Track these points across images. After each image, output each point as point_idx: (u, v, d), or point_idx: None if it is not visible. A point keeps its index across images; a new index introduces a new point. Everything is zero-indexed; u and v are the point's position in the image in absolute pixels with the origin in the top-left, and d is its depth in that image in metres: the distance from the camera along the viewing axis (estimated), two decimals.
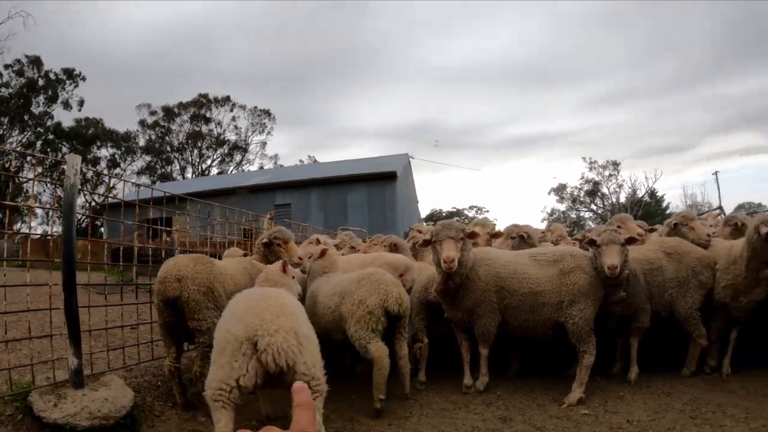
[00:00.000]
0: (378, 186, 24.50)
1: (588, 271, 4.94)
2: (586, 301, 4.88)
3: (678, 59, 69.07)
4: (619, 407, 4.63)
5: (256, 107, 51.61)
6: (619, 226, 5.54)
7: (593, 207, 48.17)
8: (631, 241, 4.95)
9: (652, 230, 6.25)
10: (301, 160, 54.45)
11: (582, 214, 48.61)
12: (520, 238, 6.06)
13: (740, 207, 40.04)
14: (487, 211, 52.20)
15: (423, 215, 36.07)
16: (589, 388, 4.92)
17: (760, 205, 39.34)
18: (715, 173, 42.58)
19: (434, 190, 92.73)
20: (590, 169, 47.82)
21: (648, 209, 43.13)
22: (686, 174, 78.23)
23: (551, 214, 49.54)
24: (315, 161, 52.34)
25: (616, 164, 46.83)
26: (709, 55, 68.26)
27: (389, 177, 24.33)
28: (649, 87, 69.29)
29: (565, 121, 77.98)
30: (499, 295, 5.03)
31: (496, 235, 6.11)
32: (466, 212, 51.37)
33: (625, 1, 71.62)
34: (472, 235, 6.20)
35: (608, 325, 5.31)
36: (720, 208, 21.32)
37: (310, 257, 5.86)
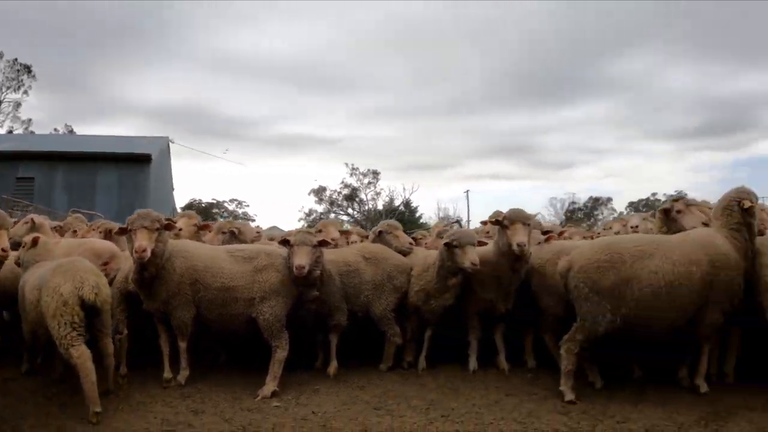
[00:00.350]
0: (131, 168, 22.76)
1: (281, 269, 5.20)
2: (277, 299, 5.13)
3: (453, 90, 77.71)
4: (312, 400, 4.85)
5: (16, 59, 43.64)
6: (320, 230, 6.02)
7: (350, 211, 51.00)
8: (323, 243, 5.31)
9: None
10: (56, 129, 47.33)
11: (340, 217, 51.21)
12: (231, 233, 6.19)
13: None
14: (248, 206, 51.36)
15: (181, 204, 34.24)
16: (288, 382, 5.12)
17: None
18: (466, 192, 49.53)
19: (196, 180, 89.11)
20: (351, 174, 50.54)
21: (402, 218, 47.65)
22: (442, 190, 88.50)
23: (308, 214, 51.02)
24: (71, 132, 46.06)
25: (376, 173, 50.41)
26: (479, 91, 78.63)
27: (143, 159, 22.78)
28: (422, 109, 76.32)
29: (335, 128, 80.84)
30: (193, 288, 5.06)
31: (204, 227, 6.14)
32: (226, 204, 50.10)
33: (417, 28, 77.86)
34: (204, 227, 6.20)
35: (306, 322, 5.60)
36: (458, 221, 24.84)
37: (24, 247, 5.27)
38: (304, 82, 78.32)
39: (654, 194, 43.61)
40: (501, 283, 5.37)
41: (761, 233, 4.94)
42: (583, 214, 47.12)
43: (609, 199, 49.22)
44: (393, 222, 6.68)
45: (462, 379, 5.45)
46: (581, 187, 59.62)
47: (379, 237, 6.40)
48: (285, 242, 5.26)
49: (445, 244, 5.28)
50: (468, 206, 48.20)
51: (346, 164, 51.58)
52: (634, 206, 41.60)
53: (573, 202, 49.95)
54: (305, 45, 76.00)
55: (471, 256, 5.09)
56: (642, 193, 48.15)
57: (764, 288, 4.42)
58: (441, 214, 49.14)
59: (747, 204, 4.41)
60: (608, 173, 77.53)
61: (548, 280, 5.28)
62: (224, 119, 74.14)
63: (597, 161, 79.02)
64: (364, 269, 5.78)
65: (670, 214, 5.50)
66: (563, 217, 46.82)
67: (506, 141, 77.50)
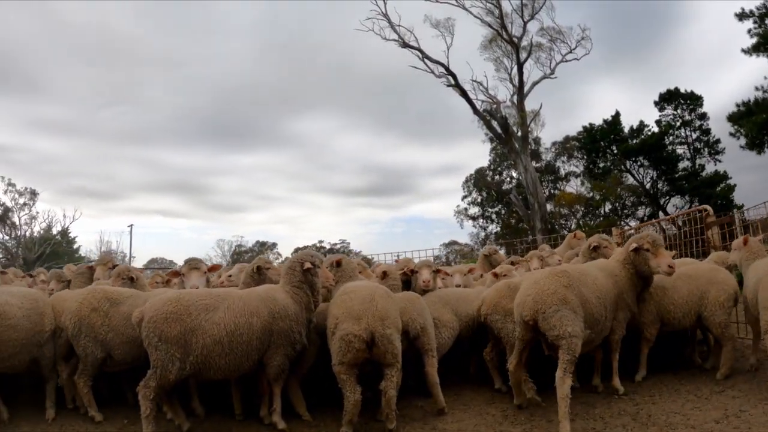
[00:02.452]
0: None
1: None
2: None
3: (137, 117, 72.19)
4: None
5: None
6: None
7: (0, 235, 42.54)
8: None
9: None
10: None
11: None
12: None
13: (153, 261, 43.47)
14: None
15: None
16: None
17: (171, 261, 43.06)
18: (130, 226, 45.80)
19: None
20: (6, 191, 42.83)
21: (58, 249, 41.54)
22: (108, 220, 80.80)
23: None
24: None
25: (34, 193, 43.66)
26: (162, 124, 74.82)
27: None
28: (101, 130, 67.44)
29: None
30: None
31: None
32: None
33: (121, 45, 69.92)
34: None
35: None
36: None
37: None
38: None
39: (321, 241, 47.86)
40: None
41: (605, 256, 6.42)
42: (248, 257, 48.72)
43: (275, 244, 52.31)
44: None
45: None
46: (251, 230, 61.75)
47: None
48: None
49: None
50: (131, 241, 45.13)
51: (2, 177, 43.34)
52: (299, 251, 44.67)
53: (240, 245, 51.61)
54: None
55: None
56: (309, 240, 52.20)
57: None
58: (104, 248, 44.82)
59: (307, 265, 5.25)
60: (278, 220, 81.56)
61: None
62: None
63: (268, 207, 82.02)
64: None
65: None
66: (229, 259, 47.89)
67: (180, 178, 75.69)
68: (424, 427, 5.02)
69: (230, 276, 7.50)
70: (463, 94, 31.07)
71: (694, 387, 5.61)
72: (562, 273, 5.02)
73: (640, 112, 71.16)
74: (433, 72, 30.84)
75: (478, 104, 31.52)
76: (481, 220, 43.05)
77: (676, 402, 5.20)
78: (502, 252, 14.19)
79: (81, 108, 68.44)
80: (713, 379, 5.71)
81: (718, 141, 34.26)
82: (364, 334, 4.66)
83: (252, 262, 6.37)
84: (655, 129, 35.12)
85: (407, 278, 6.61)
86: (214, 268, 6.21)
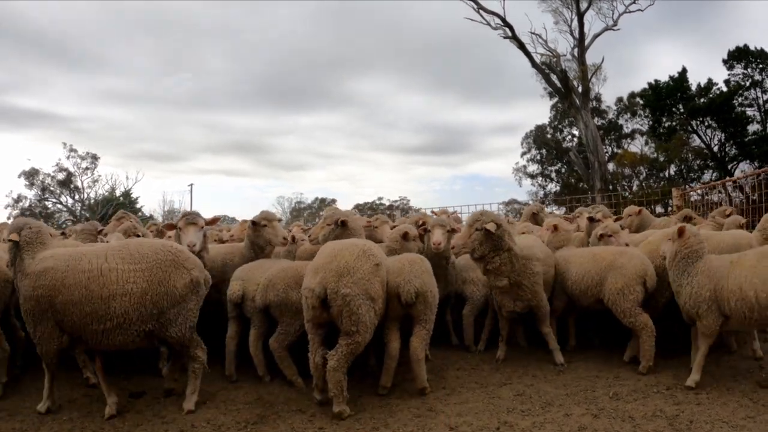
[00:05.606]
0: None
1: None
2: None
3: (195, 83, 74.93)
4: None
5: None
6: None
7: (63, 199, 44.35)
8: None
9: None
10: None
11: (56, 205, 44.15)
12: None
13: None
14: None
15: None
16: None
17: (234, 219, 44.07)
18: (191, 185, 47.36)
19: None
20: (69, 157, 43.98)
21: (119, 209, 42.54)
22: (170, 181, 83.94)
23: (17, 200, 43.07)
24: None
25: (95, 157, 44.64)
26: (221, 89, 76.44)
27: None
28: (162, 98, 71.27)
29: (67, 105, 70.92)
30: None
31: None
32: None
33: (172, 18, 72.08)
34: None
35: None
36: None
37: None
38: (44, 52, 65.46)
39: (380, 198, 48.33)
40: None
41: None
42: (308, 214, 49.10)
43: (333, 200, 52.28)
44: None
45: None
46: (312, 188, 62.85)
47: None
48: None
49: None
50: (191, 200, 46.49)
51: (64, 144, 44.67)
52: (359, 208, 45.01)
53: (300, 202, 52.42)
54: (56, 13, 63.98)
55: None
56: (369, 197, 52.69)
57: None
58: (166, 207, 46.32)
59: None
60: (339, 177, 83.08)
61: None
62: None
63: (328, 165, 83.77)
64: None
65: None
66: (289, 215, 48.42)
67: (241, 139, 77.49)
68: (421, 407, 4.43)
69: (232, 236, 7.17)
70: (521, 46, 29.14)
71: (750, 388, 4.59)
72: None
73: (707, 69, 67.04)
74: (489, 24, 28.89)
75: (536, 58, 29.66)
76: (540, 179, 41.05)
77: (726, 406, 4.22)
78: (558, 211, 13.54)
79: (143, 78, 70.39)
80: None
81: None
82: (317, 288, 4.19)
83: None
84: (724, 88, 31.95)
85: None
86: (213, 222, 5.82)
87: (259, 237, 5.79)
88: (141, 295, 4.21)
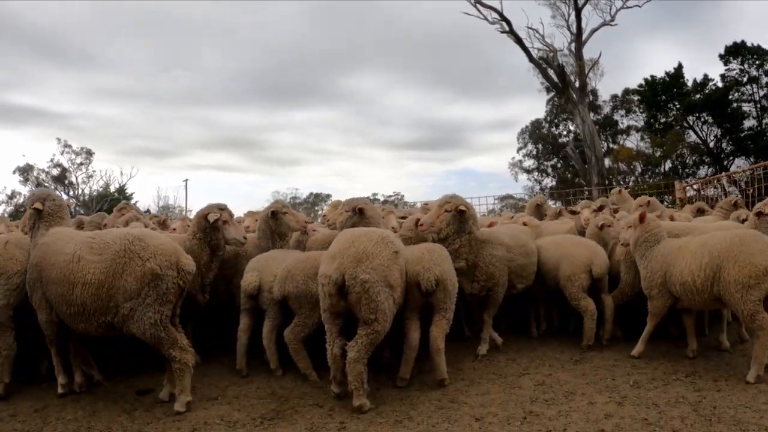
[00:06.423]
0: None
1: None
2: None
3: (190, 80, 75.09)
4: None
5: None
6: None
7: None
8: None
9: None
10: None
11: None
12: None
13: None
14: None
15: None
16: None
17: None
18: (185, 180, 47.31)
19: None
20: (63, 153, 43.85)
21: (114, 205, 42.37)
22: (164, 177, 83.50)
23: (11, 196, 42.64)
24: None
25: (90, 153, 44.51)
26: (215, 85, 75.65)
27: None
28: (155, 94, 72.31)
29: (62, 102, 70.69)
30: None
31: None
32: None
33: (166, 14, 71.76)
34: None
35: None
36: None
37: None
38: (37, 50, 65.12)
39: (375, 194, 47.67)
40: None
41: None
42: (303, 209, 49.07)
43: (328, 195, 52.42)
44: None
45: None
46: (307, 183, 62.83)
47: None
48: None
49: None
50: (186, 196, 46.43)
51: (58, 140, 44.34)
52: None
53: (295, 197, 52.41)
54: (52, 11, 64.59)
55: None
56: (363, 192, 52.76)
57: None
58: (161, 203, 46.15)
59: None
60: (333, 173, 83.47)
61: None
62: None
63: (323, 161, 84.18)
64: None
65: None
66: None
67: (236, 135, 78.49)
68: (442, 399, 4.38)
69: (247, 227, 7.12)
70: (518, 41, 29.07)
71: (766, 375, 4.52)
72: None
73: (704, 65, 67.45)
74: (486, 18, 28.86)
75: (533, 53, 29.63)
76: (536, 173, 41.11)
77: (746, 392, 4.23)
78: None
79: (138, 75, 71.13)
80: None
81: None
82: (334, 274, 4.09)
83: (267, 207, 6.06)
84: (720, 84, 32.01)
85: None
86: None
87: (280, 225, 5.81)
88: (98, 287, 4.15)
